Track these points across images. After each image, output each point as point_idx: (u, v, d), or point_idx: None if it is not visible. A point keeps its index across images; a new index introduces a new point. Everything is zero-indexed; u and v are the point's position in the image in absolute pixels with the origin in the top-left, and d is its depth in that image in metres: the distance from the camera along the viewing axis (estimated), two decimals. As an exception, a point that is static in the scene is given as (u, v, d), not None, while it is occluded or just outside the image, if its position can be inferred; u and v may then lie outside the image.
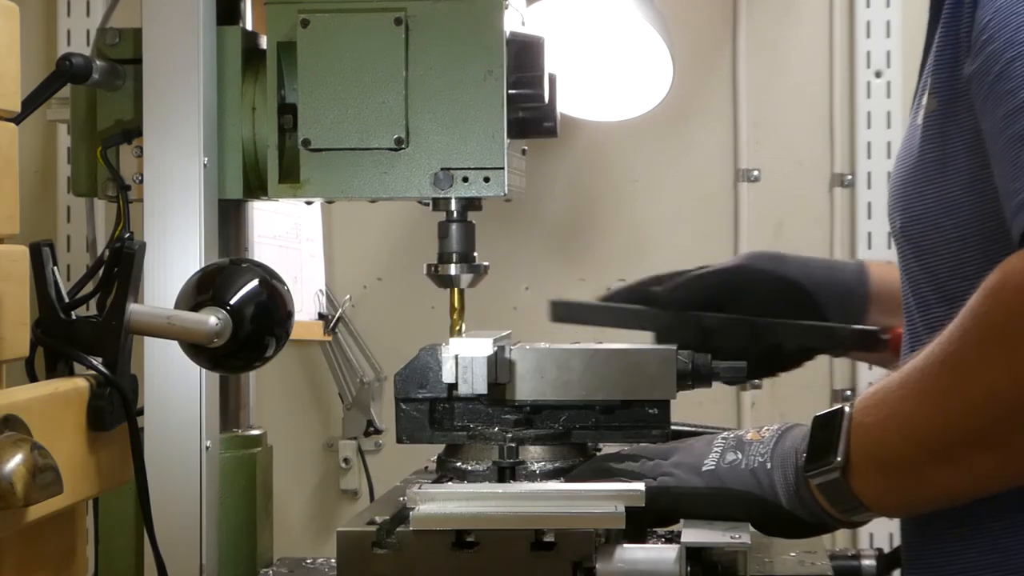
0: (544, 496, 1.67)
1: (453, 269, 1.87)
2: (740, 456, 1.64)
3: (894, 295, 2.01)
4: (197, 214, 1.80)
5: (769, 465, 1.62)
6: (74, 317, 1.62)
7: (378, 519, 1.69)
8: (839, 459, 1.55)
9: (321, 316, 3.34)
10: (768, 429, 1.66)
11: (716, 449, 1.66)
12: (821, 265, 2.09)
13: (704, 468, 1.65)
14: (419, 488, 1.67)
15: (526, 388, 1.82)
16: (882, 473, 1.55)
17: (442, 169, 1.81)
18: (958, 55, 1.58)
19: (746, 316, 2.01)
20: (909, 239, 1.67)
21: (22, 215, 1.57)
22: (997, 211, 1.54)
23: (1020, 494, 1.55)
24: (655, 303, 2.04)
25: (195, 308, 1.62)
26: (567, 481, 1.76)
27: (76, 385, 1.58)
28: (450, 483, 1.80)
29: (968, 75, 1.55)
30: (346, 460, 3.42)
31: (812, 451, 1.58)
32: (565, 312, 2.12)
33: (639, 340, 2.06)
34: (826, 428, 1.57)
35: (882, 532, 3.16)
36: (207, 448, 1.79)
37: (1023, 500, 1.56)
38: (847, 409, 1.57)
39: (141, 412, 1.76)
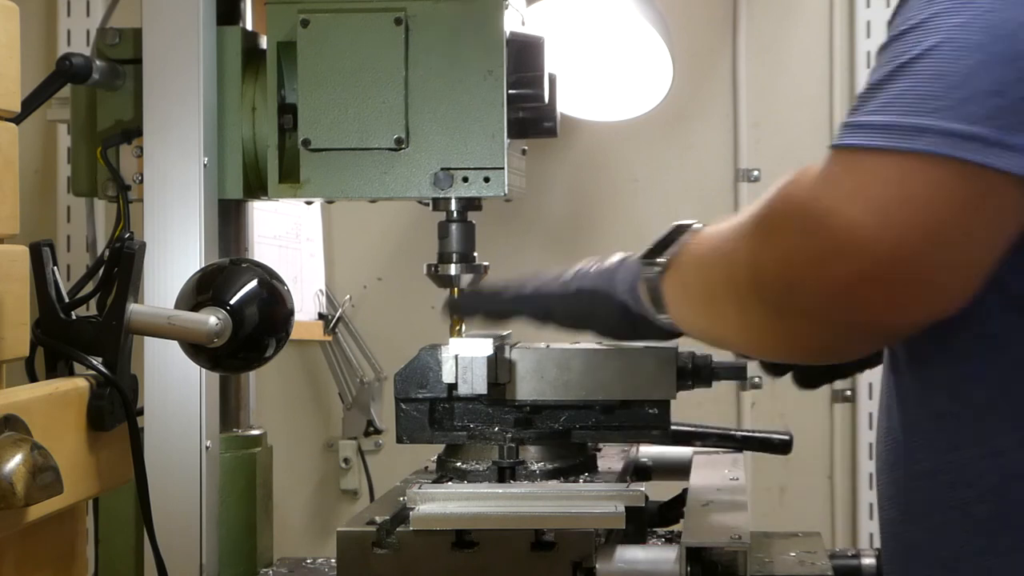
0: (544, 496, 1.67)
1: (453, 269, 1.87)
2: (592, 265, 1.76)
3: None
4: (197, 214, 1.80)
5: (617, 266, 1.74)
6: (74, 317, 1.62)
7: (378, 519, 1.69)
8: (664, 260, 1.62)
9: (321, 316, 3.34)
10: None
11: (572, 269, 1.77)
12: None
13: (562, 280, 1.77)
14: (419, 488, 1.67)
15: (526, 388, 1.82)
16: (682, 291, 1.61)
17: (442, 169, 1.81)
18: None
19: None
20: None
21: (22, 215, 1.56)
22: None
23: (1002, 530, 1.53)
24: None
25: (195, 308, 1.62)
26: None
27: (76, 385, 1.58)
28: (450, 483, 1.81)
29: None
30: (346, 460, 3.42)
31: (653, 247, 1.65)
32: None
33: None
34: (673, 233, 1.64)
35: (882, 532, 3.16)
36: (207, 448, 1.79)
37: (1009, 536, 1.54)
38: (697, 225, 1.62)
39: (141, 412, 1.76)
